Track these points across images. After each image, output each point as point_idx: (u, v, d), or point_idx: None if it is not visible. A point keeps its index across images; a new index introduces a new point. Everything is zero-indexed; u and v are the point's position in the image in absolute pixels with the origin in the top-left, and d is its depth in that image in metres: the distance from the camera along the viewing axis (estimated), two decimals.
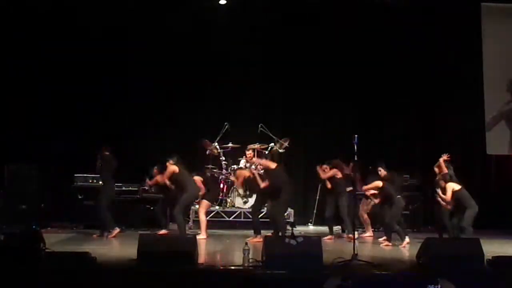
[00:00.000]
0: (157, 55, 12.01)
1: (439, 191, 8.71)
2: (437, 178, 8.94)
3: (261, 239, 7.65)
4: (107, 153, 9.22)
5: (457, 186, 8.61)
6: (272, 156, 10.25)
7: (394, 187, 8.98)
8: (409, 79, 12.00)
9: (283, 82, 12.09)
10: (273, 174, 8.91)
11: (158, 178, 9.39)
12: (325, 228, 10.23)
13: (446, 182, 8.67)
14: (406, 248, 8.35)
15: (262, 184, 8.89)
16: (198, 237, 8.30)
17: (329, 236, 9.42)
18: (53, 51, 11.14)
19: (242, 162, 10.87)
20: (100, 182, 9.66)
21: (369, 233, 9.83)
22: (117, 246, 8.20)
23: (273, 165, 9.05)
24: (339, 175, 9.57)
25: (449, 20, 11.69)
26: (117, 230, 8.97)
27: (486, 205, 11.20)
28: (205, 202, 9.32)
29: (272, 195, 8.93)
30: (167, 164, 9.09)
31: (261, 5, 11.72)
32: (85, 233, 9.41)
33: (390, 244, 8.61)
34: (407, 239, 8.51)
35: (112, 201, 9.26)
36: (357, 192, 9.74)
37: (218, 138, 11.09)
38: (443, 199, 8.62)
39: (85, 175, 10.40)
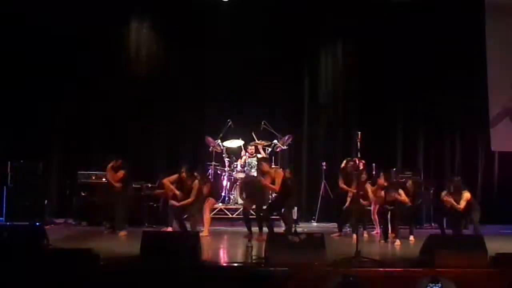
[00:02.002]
0: (159, 54, 12.04)
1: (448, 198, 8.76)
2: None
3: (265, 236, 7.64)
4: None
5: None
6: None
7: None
8: (412, 76, 11.97)
9: (285, 80, 12.09)
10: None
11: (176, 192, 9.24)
12: (327, 225, 10.24)
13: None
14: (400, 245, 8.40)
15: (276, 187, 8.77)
16: (201, 234, 8.34)
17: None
18: (54, 50, 11.15)
19: (242, 159, 10.94)
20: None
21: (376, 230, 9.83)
22: (120, 243, 8.21)
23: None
24: None
25: (452, 16, 11.65)
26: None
27: (490, 202, 11.23)
28: (212, 200, 9.33)
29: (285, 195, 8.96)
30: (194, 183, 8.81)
31: (263, 2, 11.70)
32: (88, 230, 9.43)
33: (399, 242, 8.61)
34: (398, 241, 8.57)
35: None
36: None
37: (221, 135, 11.11)
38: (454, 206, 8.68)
39: (88, 172, 10.41)
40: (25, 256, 5.73)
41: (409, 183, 9.40)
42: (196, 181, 8.77)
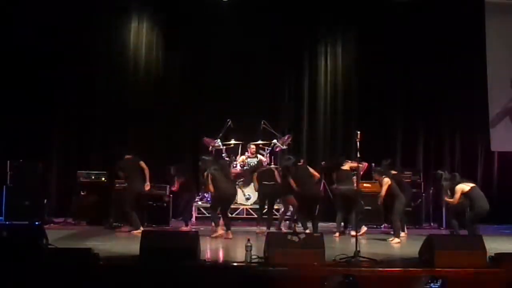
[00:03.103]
0: (159, 53, 12.03)
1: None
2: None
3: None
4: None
5: (466, 187, 8.64)
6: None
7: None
8: (412, 75, 11.97)
9: (285, 79, 12.08)
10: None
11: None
12: (327, 225, 10.23)
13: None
14: (397, 244, 8.42)
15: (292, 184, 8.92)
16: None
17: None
18: (54, 49, 11.14)
19: (241, 158, 10.94)
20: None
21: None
22: (120, 243, 8.21)
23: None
24: None
25: (452, 16, 11.65)
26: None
27: (489, 202, 11.21)
28: None
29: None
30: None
31: (263, 2, 11.69)
32: (87, 230, 9.42)
33: (399, 241, 8.62)
34: (397, 239, 8.61)
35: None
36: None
37: (220, 135, 11.10)
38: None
39: (87, 171, 10.40)
40: (24, 256, 5.73)
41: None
42: (205, 172, 8.82)
